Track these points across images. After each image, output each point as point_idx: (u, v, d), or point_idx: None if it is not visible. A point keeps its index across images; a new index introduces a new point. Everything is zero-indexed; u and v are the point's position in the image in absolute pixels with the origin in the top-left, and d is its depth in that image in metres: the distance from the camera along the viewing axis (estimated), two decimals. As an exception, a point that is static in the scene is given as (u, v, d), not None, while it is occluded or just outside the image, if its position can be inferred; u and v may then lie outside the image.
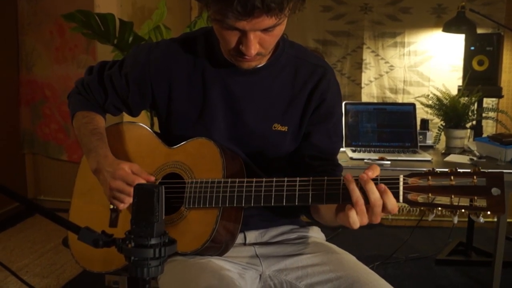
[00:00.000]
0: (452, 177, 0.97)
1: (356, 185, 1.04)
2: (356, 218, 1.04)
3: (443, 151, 2.60)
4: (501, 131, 3.13)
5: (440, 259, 3.11)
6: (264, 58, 1.25)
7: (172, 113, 1.35)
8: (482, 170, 0.97)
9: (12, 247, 3.24)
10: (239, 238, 1.35)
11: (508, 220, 2.91)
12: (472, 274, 2.95)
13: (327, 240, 1.46)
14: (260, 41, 1.15)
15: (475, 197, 0.95)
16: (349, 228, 1.06)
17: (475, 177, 0.96)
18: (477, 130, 2.95)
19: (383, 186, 1.03)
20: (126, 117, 1.51)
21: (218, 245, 1.25)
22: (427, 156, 2.43)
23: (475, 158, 2.39)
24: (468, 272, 2.98)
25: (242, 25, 1.09)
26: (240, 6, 1.03)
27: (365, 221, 1.05)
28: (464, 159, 2.41)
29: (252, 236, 1.38)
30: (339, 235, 3.32)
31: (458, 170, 0.98)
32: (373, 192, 1.02)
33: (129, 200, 1.26)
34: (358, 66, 3.72)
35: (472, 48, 3.12)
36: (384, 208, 1.03)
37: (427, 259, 3.15)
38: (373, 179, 1.04)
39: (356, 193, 1.03)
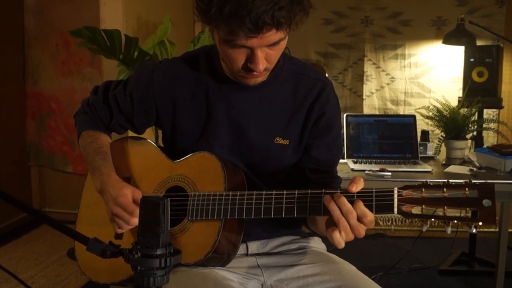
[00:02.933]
0: (444, 189, 1.01)
1: (334, 203, 1.09)
2: (340, 239, 1.08)
3: (444, 162, 2.62)
4: (501, 142, 3.16)
5: (443, 270, 3.12)
6: (268, 72, 1.29)
7: (177, 129, 1.38)
8: (474, 182, 1.00)
9: (18, 258, 3.27)
10: (241, 249, 1.38)
11: (510, 230, 2.92)
12: (475, 284, 2.96)
13: (329, 251, 1.48)
14: (266, 57, 1.19)
15: (467, 209, 0.98)
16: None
17: (467, 189, 0.99)
18: (478, 141, 2.97)
19: (357, 199, 1.08)
20: (131, 132, 1.54)
21: (220, 256, 1.28)
22: (427, 167, 2.46)
23: (475, 169, 2.42)
24: (471, 282, 2.99)
25: (251, 42, 1.13)
26: (252, 24, 1.08)
27: (350, 236, 1.09)
28: (464, 169, 2.43)
29: (254, 246, 1.41)
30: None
31: (451, 182, 1.01)
32: (345, 205, 1.07)
33: (127, 227, 1.29)
34: (360, 78, 3.76)
35: (472, 59, 3.15)
36: (359, 218, 1.07)
37: (430, 269, 3.16)
38: (350, 195, 1.09)
39: (337, 212, 1.08)
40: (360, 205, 1.07)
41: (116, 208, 1.28)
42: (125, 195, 1.28)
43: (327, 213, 1.11)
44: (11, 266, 3.12)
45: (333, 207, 1.09)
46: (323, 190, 1.15)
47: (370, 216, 1.07)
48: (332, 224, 1.10)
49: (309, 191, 1.16)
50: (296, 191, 1.17)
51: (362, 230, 1.08)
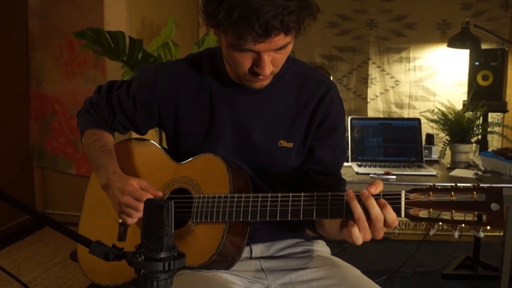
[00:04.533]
0: (452, 193, 1.00)
1: (358, 201, 1.06)
2: (359, 235, 1.06)
3: (449, 166, 2.61)
4: (506, 145, 3.14)
5: (447, 274, 3.10)
6: (273, 76, 1.28)
7: (180, 132, 1.38)
8: (482, 185, 0.99)
9: (21, 260, 3.27)
10: (245, 252, 1.37)
11: (515, 234, 2.90)
12: (479, 288, 2.95)
13: (333, 254, 1.47)
14: (272, 60, 1.19)
15: (475, 212, 0.97)
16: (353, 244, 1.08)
17: (475, 192, 0.98)
18: (483, 145, 2.96)
19: (382, 200, 1.05)
20: (135, 134, 1.54)
21: (224, 259, 1.27)
22: (432, 171, 2.44)
23: (480, 173, 2.40)
24: (475, 286, 2.97)
25: (259, 47, 1.12)
26: (261, 28, 1.07)
27: (369, 237, 1.07)
28: (469, 173, 2.42)
29: (258, 249, 1.40)
30: (345, 249, 3.33)
31: (459, 186, 1.00)
32: (374, 208, 1.04)
33: (137, 214, 1.28)
34: (364, 81, 3.75)
35: (477, 63, 3.14)
36: (385, 222, 1.05)
37: (434, 273, 3.14)
38: (376, 195, 1.06)
39: (358, 210, 1.05)
40: (390, 210, 1.04)
41: (123, 197, 1.27)
42: (130, 183, 1.28)
43: (333, 216, 1.10)
44: (14, 268, 3.12)
45: (355, 205, 1.06)
46: (329, 193, 1.13)
47: (397, 220, 1.05)
48: (347, 223, 1.08)
49: (315, 193, 1.15)
50: (302, 194, 1.16)
51: (382, 232, 1.07)
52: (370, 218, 1.05)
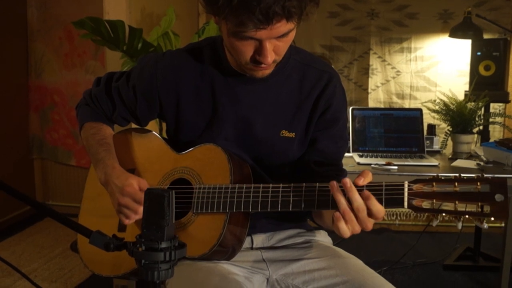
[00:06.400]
0: (456, 184, 0.98)
1: (342, 194, 1.06)
2: (345, 228, 1.06)
3: (450, 156, 2.60)
4: (508, 136, 3.13)
5: (448, 265, 3.11)
6: (275, 64, 1.27)
7: (181, 122, 1.37)
8: (486, 176, 0.98)
9: (21, 251, 3.27)
10: (246, 242, 1.36)
11: (516, 225, 2.89)
12: (480, 279, 2.95)
13: (334, 245, 1.47)
14: (274, 48, 1.17)
15: (479, 203, 0.96)
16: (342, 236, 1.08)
17: (479, 183, 0.97)
18: (484, 135, 2.95)
19: (366, 192, 1.04)
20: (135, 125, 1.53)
21: (225, 250, 1.27)
22: (434, 161, 2.43)
23: (482, 163, 2.40)
24: (476, 277, 2.97)
25: (260, 34, 1.11)
26: (262, 14, 1.05)
27: (357, 229, 1.06)
28: (471, 164, 2.41)
29: (259, 239, 1.39)
30: (346, 239, 3.32)
31: (462, 176, 0.99)
32: (356, 199, 1.04)
33: (135, 217, 1.28)
34: (365, 71, 3.73)
35: (479, 53, 3.12)
36: (369, 214, 1.05)
37: (434, 264, 3.15)
38: (360, 186, 1.05)
39: (343, 204, 1.05)
40: (374, 202, 1.04)
41: (123, 198, 1.26)
42: (131, 184, 1.26)
43: (335, 207, 1.09)
44: (15, 259, 3.12)
45: (339, 198, 1.06)
46: (317, 184, 1.13)
47: (383, 212, 1.05)
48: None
49: (317, 184, 1.14)
50: (304, 184, 1.15)
51: (370, 224, 1.06)
52: (353, 210, 1.04)
